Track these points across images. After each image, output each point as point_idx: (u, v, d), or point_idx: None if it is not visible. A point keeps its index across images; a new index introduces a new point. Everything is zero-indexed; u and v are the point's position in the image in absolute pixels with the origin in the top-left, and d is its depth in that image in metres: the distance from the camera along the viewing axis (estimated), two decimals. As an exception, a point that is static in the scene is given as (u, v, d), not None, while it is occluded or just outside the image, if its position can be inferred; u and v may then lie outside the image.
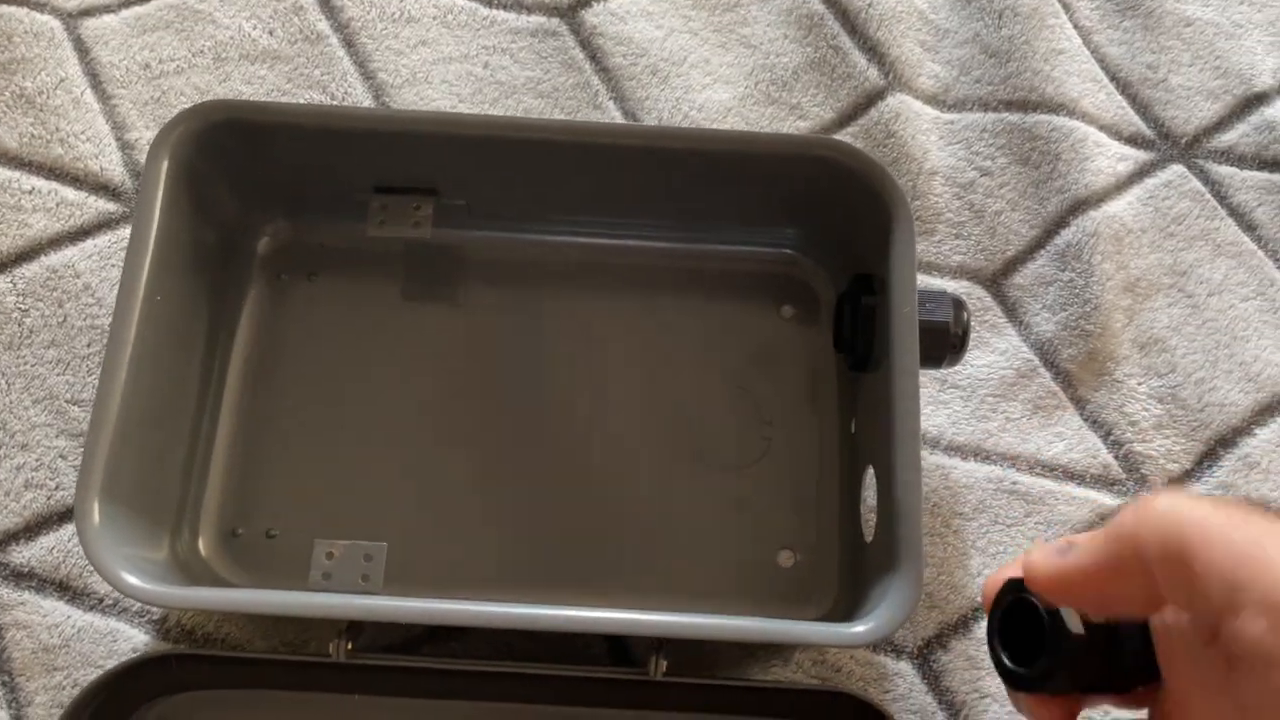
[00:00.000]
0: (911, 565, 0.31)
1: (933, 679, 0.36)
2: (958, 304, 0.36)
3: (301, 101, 0.43)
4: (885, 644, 0.36)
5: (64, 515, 0.37)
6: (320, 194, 0.40)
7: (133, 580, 0.31)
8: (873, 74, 0.44)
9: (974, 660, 0.36)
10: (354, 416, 0.39)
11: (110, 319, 0.37)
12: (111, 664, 0.35)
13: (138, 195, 0.35)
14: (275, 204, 0.40)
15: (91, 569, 0.36)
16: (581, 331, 0.40)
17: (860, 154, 0.37)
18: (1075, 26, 0.46)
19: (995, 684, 0.36)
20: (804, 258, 0.41)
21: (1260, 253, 0.42)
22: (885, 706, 0.32)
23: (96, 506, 0.32)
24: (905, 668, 0.36)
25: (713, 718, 0.34)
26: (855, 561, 0.36)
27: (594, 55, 0.45)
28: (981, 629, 0.36)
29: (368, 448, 0.38)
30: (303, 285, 0.40)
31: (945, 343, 0.36)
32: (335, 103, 0.43)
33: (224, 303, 0.39)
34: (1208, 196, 0.43)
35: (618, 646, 0.36)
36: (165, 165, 0.36)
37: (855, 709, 0.32)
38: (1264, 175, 0.44)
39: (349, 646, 0.33)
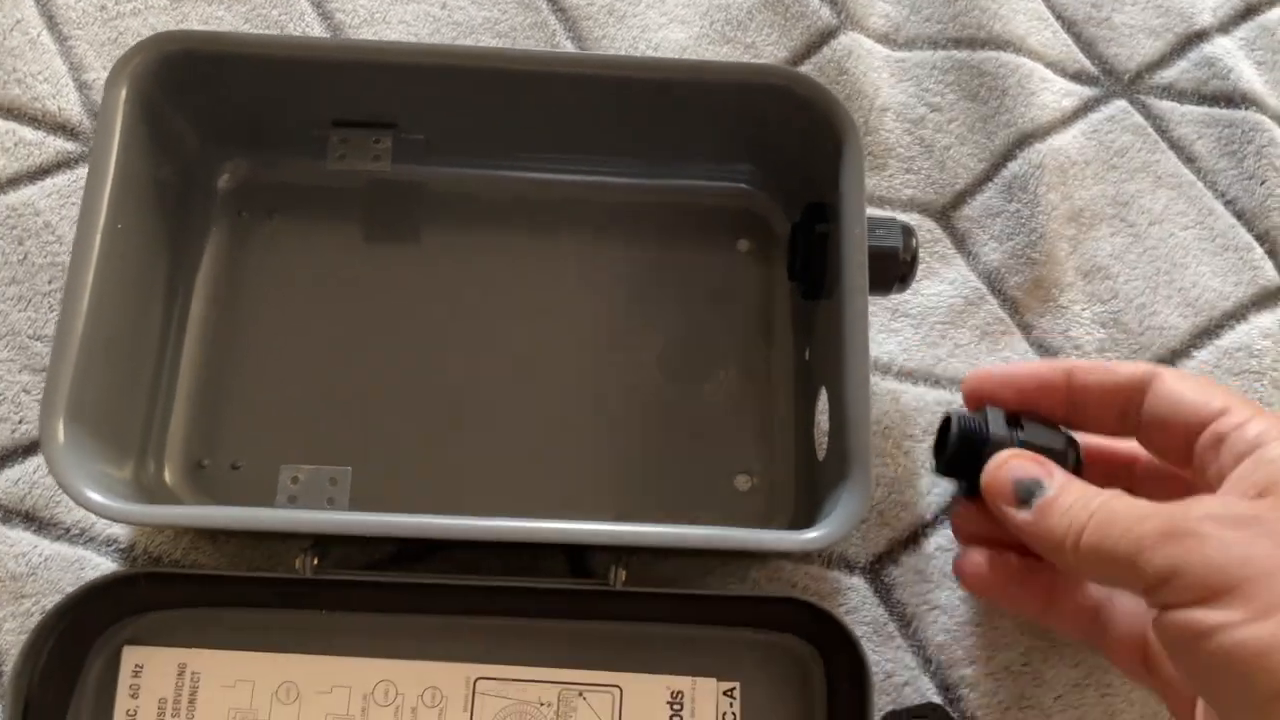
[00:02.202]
0: (861, 473, 0.33)
1: (884, 592, 0.37)
2: (906, 230, 0.37)
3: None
4: (839, 560, 0.38)
5: (29, 449, 0.38)
6: (279, 130, 0.40)
7: (98, 498, 0.32)
8: (825, 13, 0.45)
9: (923, 574, 0.38)
10: (317, 350, 0.39)
11: (69, 256, 0.38)
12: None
13: (95, 125, 0.35)
14: (234, 140, 0.41)
15: (58, 500, 0.37)
16: (539, 265, 0.41)
17: (809, 80, 0.38)
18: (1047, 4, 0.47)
19: (944, 596, 0.37)
20: (759, 191, 0.42)
21: (1199, 184, 0.44)
22: (838, 613, 0.33)
23: (61, 427, 0.32)
24: (858, 582, 0.37)
25: (671, 628, 0.35)
26: (809, 483, 0.38)
27: (551, -5, 0.45)
28: (930, 545, 0.38)
29: (330, 380, 0.39)
30: (263, 222, 0.41)
31: (894, 268, 0.37)
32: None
33: (185, 239, 0.40)
34: (1149, 130, 0.45)
35: (579, 567, 0.37)
36: (122, 94, 0.36)
37: (811, 615, 0.34)
38: (1203, 109, 0.45)
39: (315, 563, 0.33)
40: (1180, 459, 0.31)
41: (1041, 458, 0.32)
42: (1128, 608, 0.33)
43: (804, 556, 0.38)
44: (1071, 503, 0.30)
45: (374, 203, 0.41)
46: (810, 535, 0.32)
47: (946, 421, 0.34)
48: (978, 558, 0.34)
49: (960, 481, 0.34)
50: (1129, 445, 0.34)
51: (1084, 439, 0.33)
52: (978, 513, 0.33)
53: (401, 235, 0.41)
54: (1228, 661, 0.26)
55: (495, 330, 0.40)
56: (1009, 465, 0.31)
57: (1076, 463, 0.33)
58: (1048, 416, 0.33)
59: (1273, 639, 0.25)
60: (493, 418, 0.39)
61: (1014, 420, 0.33)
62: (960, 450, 0.33)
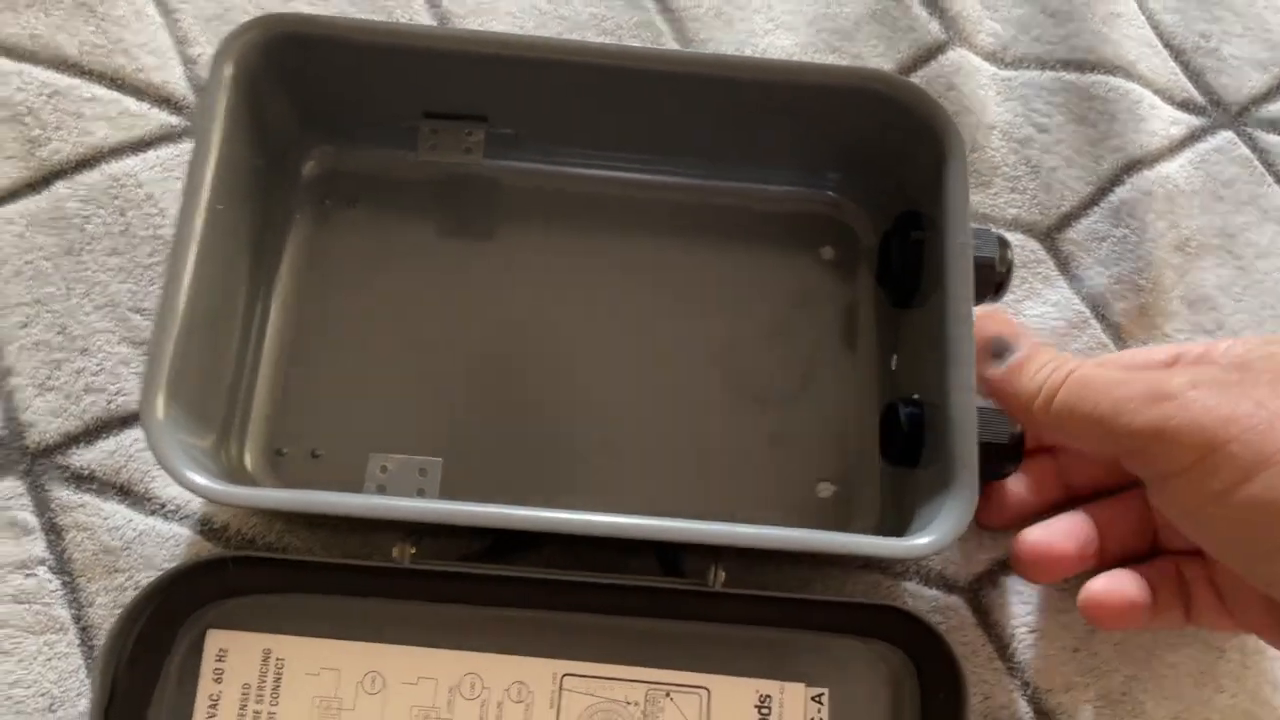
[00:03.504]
0: (967, 480, 0.32)
1: (982, 613, 0.37)
2: (1001, 242, 0.36)
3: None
4: (937, 578, 0.37)
5: (124, 420, 0.37)
6: (370, 118, 0.40)
7: (200, 479, 0.31)
8: (934, 28, 0.45)
9: (1022, 596, 0.37)
10: (397, 341, 0.39)
11: (172, 229, 0.37)
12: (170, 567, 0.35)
13: (201, 101, 0.35)
14: (325, 127, 0.40)
15: (153, 475, 0.37)
16: (622, 265, 0.40)
17: (914, 87, 0.37)
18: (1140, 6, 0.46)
19: (1043, 620, 0.37)
20: (846, 200, 0.41)
21: (1306, 219, 0.43)
22: (935, 622, 0.33)
23: (161, 403, 0.32)
24: (956, 601, 0.37)
25: (762, 631, 0.34)
26: (895, 491, 0.37)
27: (658, -5, 0.45)
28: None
29: (411, 371, 0.38)
30: (345, 211, 0.40)
31: (990, 278, 0.36)
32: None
33: (270, 224, 0.39)
34: (1256, 164, 0.44)
35: (668, 568, 0.37)
36: (229, 71, 0.36)
37: (907, 624, 0.33)
38: (1311, 145, 0.44)
39: (412, 551, 0.33)
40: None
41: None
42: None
43: (902, 572, 0.37)
44: (1045, 362, 0.32)
45: (456, 195, 0.41)
46: (921, 541, 0.31)
47: (890, 411, 0.36)
48: (1104, 585, 0.33)
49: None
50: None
51: None
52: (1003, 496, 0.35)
53: (483, 228, 0.41)
54: (1240, 520, 0.27)
55: (576, 328, 0.39)
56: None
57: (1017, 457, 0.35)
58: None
59: (1271, 491, 0.26)
60: (573, 415, 0.38)
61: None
62: (911, 437, 0.35)
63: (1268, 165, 0.44)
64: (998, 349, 0.33)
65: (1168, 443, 0.28)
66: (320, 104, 0.39)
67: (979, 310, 0.34)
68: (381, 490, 0.37)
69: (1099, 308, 0.41)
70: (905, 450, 0.36)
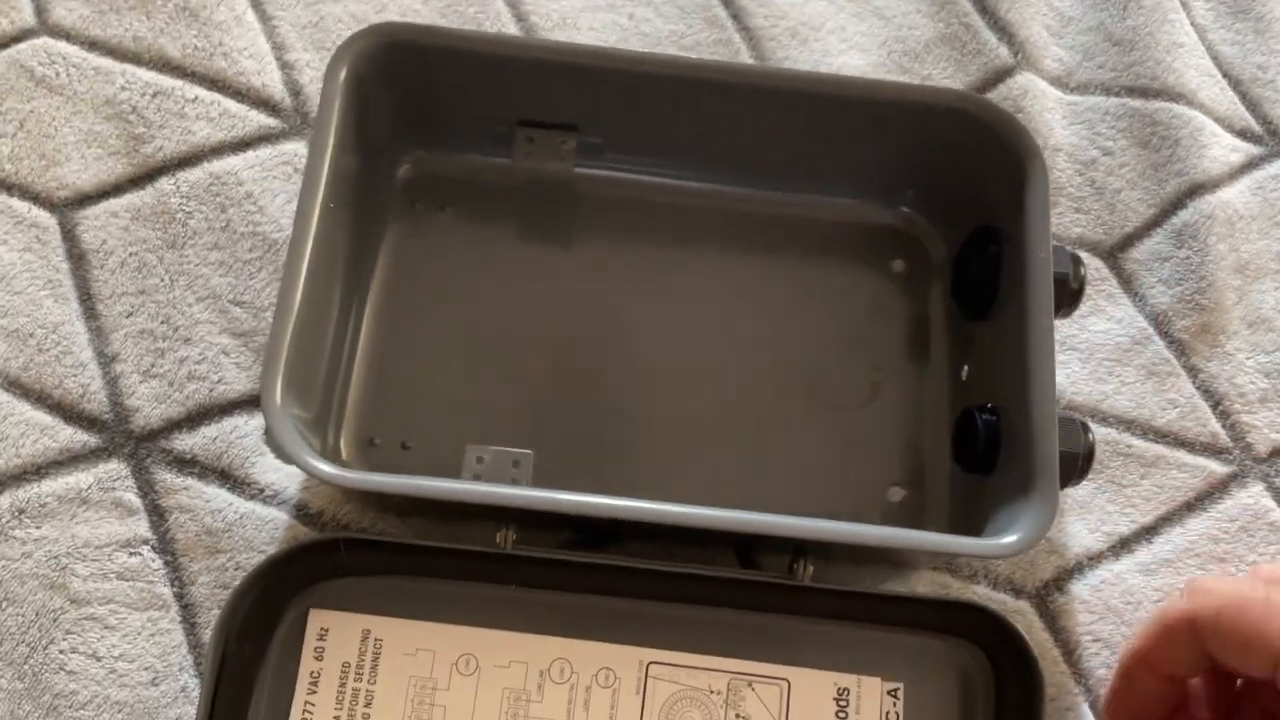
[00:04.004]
0: (1048, 487, 0.33)
1: (1049, 618, 0.38)
2: (1075, 259, 0.38)
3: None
4: (1005, 582, 0.38)
5: (225, 408, 0.39)
6: (464, 125, 0.42)
7: (323, 465, 0.33)
8: (1002, 52, 0.46)
9: (1088, 605, 0.38)
10: (484, 340, 0.40)
11: (271, 227, 0.39)
12: (272, 550, 0.36)
13: (320, 103, 0.37)
14: (421, 132, 0.42)
15: (253, 461, 0.38)
16: (700, 273, 0.42)
17: (992, 105, 0.39)
18: (1192, 24, 0.48)
19: (1108, 629, 0.38)
20: (917, 215, 0.43)
21: (1361, 246, 0.44)
22: (1014, 621, 0.34)
23: (279, 391, 0.33)
24: (1024, 606, 0.38)
25: (841, 625, 0.35)
26: (965, 497, 0.38)
27: (736, 14, 0.47)
28: (1097, 577, 0.38)
29: (498, 369, 0.40)
30: (434, 214, 0.42)
31: (1064, 293, 0.37)
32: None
33: (366, 225, 0.41)
34: (1311, 190, 0.45)
35: (746, 566, 0.38)
36: (343, 75, 0.37)
37: (985, 622, 0.34)
38: (1366, 175, 0.46)
39: (514, 537, 0.34)
40: None
41: None
42: None
43: (971, 575, 0.38)
44: None
45: (542, 201, 0.43)
46: (1007, 540, 0.33)
47: (966, 418, 0.36)
48: None
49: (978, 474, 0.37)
50: None
51: None
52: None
53: (567, 233, 0.42)
54: None
55: (656, 333, 0.41)
56: None
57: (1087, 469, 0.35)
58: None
59: None
60: (654, 416, 0.40)
61: None
62: (988, 444, 0.36)
63: (1323, 193, 0.46)
64: None
65: None
66: (419, 110, 0.41)
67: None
68: (478, 479, 0.38)
69: (1162, 325, 0.42)
70: (981, 457, 0.37)
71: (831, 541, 0.33)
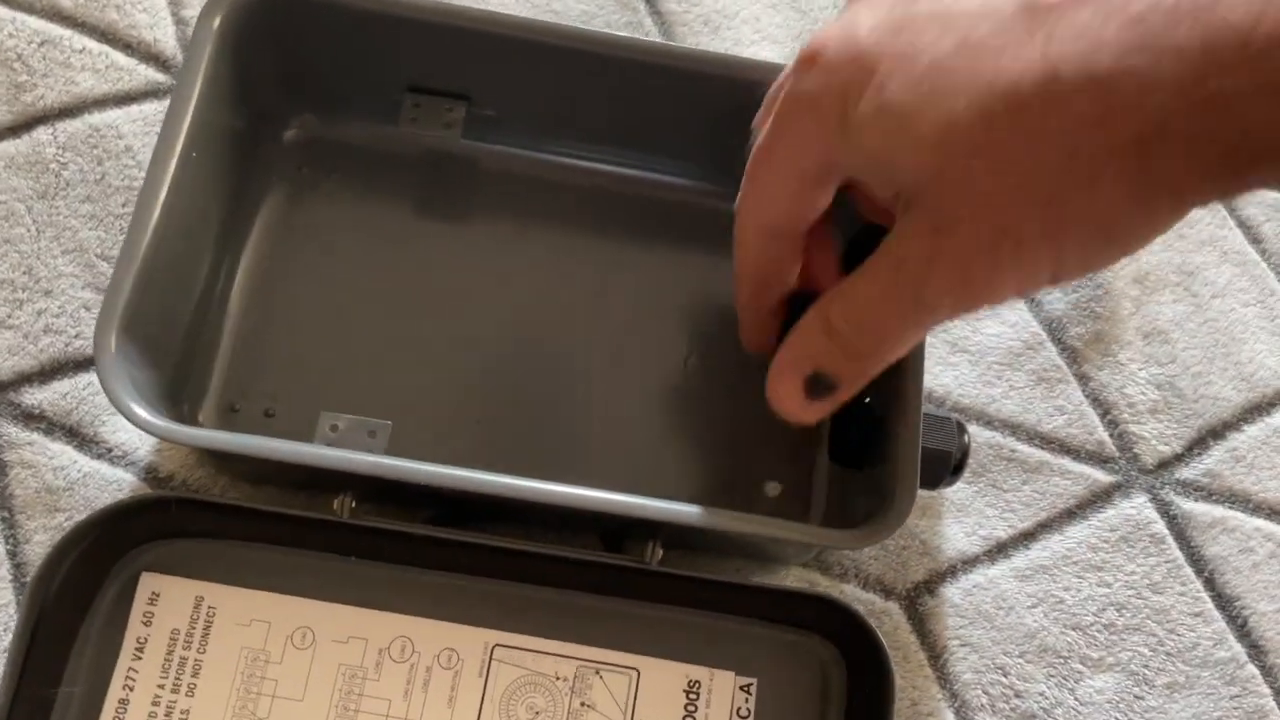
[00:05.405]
0: (907, 479, 0.32)
1: (917, 621, 0.37)
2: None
3: None
4: (875, 582, 0.37)
5: (80, 364, 0.37)
6: (352, 89, 0.40)
7: (143, 412, 0.31)
8: (915, 50, 0.46)
9: (958, 609, 0.37)
10: (360, 309, 0.39)
11: (147, 173, 0.37)
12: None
13: (189, 49, 0.36)
14: (307, 94, 0.41)
15: (103, 419, 0.37)
16: (589, 255, 0.41)
17: None
18: None
19: (977, 634, 0.37)
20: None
21: (1263, 264, 0.44)
22: (868, 618, 0.33)
23: (114, 338, 0.32)
24: (893, 607, 0.37)
25: (696, 615, 0.34)
26: (841, 494, 0.37)
27: (649, -2, 0.46)
28: (970, 581, 0.37)
29: (371, 339, 0.39)
30: (322, 180, 0.41)
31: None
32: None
33: (245, 185, 0.40)
34: (1219, 206, 0.45)
35: (612, 546, 0.37)
36: (215, 24, 0.36)
37: (841, 618, 0.33)
38: (1275, 194, 0.45)
39: (353, 505, 0.33)
40: None
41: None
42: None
43: (841, 574, 0.37)
44: None
45: (433, 173, 0.41)
46: (857, 531, 0.32)
47: (840, 413, 0.33)
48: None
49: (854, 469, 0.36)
50: None
51: None
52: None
53: (456, 207, 0.41)
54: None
55: (537, 312, 0.40)
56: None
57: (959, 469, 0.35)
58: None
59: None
60: (525, 395, 0.38)
61: None
62: (860, 439, 0.35)
63: (1230, 209, 0.45)
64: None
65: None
66: (305, 70, 0.40)
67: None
68: (331, 446, 0.37)
69: (1055, 331, 0.41)
70: (854, 452, 0.36)
71: (676, 524, 0.32)
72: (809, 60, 0.27)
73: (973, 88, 0.24)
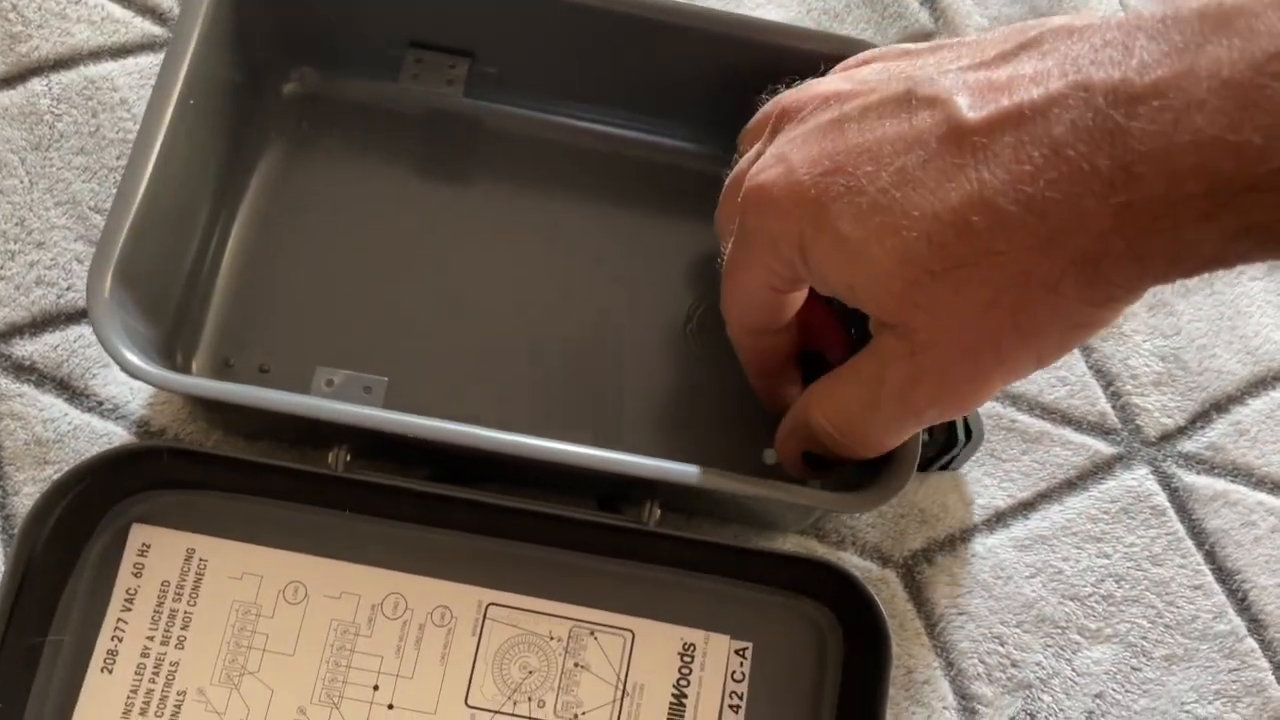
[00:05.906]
0: (906, 453, 0.32)
1: (915, 589, 0.36)
2: None
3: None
4: (873, 550, 0.37)
5: (72, 316, 0.37)
6: (355, 44, 0.40)
7: (135, 359, 0.31)
8: (923, 17, 0.45)
9: (956, 578, 0.37)
10: (358, 265, 0.39)
11: (142, 121, 0.37)
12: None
13: (182, 3, 0.35)
14: (308, 48, 0.40)
15: (94, 372, 0.36)
16: (589, 215, 0.40)
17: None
18: (1120, 3, 0.47)
19: (974, 604, 0.36)
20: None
21: (1271, 239, 0.43)
22: (864, 583, 0.32)
23: (108, 285, 0.32)
24: (890, 575, 0.37)
25: (692, 577, 0.34)
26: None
27: (654, -40, 0.45)
28: (969, 550, 0.37)
29: (368, 296, 0.38)
30: (323, 134, 0.40)
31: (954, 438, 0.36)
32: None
33: (245, 138, 0.39)
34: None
35: (609, 506, 0.36)
36: None
37: (837, 582, 0.33)
38: None
39: (348, 459, 0.33)
40: None
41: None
42: None
43: (839, 541, 0.37)
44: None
45: (434, 130, 0.41)
46: (856, 494, 0.32)
47: None
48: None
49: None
50: None
51: None
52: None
53: (457, 166, 0.41)
54: None
55: (536, 271, 0.39)
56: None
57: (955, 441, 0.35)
58: None
59: None
60: (525, 355, 0.38)
61: None
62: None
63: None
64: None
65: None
66: (304, 22, 0.39)
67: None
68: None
69: (1059, 302, 0.41)
70: None
71: (673, 483, 0.32)
72: (758, 201, 0.28)
73: (921, 219, 0.25)
